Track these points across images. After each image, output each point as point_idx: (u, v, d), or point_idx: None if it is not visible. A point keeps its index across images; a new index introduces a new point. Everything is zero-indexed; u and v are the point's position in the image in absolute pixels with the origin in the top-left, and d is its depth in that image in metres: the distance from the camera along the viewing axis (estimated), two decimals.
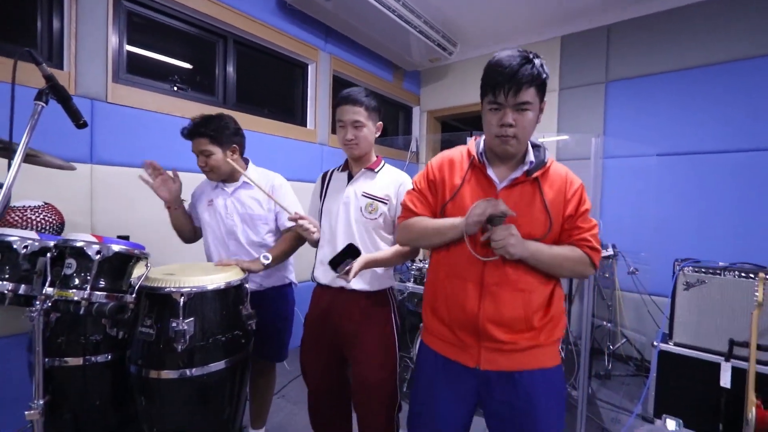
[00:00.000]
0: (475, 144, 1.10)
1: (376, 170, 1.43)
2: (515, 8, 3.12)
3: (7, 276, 0.93)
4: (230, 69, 2.69)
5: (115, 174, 2.01)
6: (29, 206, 1.60)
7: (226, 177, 1.63)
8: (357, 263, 1.20)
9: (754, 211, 2.57)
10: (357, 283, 1.33)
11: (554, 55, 3.44)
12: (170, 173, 1.59)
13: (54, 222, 1.66)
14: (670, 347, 2.11)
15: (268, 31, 2.78)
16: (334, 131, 3.28)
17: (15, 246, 0.94)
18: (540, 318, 1.02)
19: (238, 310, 1.29)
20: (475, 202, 0.99)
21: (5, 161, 1.17)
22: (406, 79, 4.17)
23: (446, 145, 4.23)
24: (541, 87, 0.96)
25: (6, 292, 0.92)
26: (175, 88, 2.41)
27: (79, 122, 1.00)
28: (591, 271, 1.07)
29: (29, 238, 0.97)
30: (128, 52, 2.19)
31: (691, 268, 2.10)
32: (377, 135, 1.43)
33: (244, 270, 1.43)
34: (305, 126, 3.20)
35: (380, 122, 1.43)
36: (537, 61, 0.94)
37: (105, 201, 1.98)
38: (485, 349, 1.02)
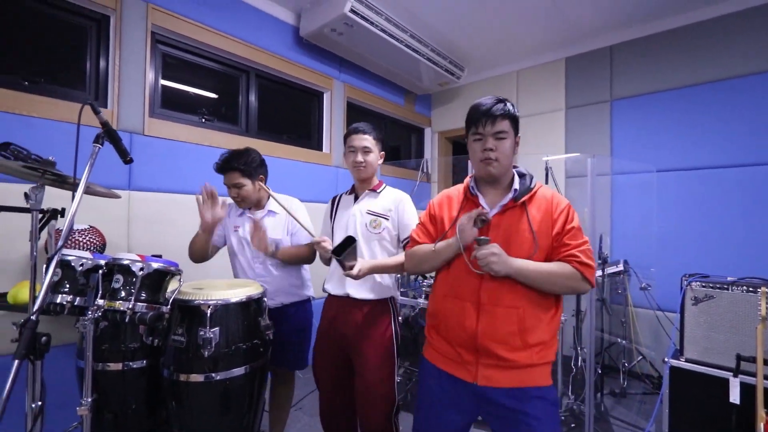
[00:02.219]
0: (469, 180, 1.25)
1: (378, 191, 1.63)
2: (518, 32, 3.28)
3: (66, 289, 1.10)
4: (252, 99, 2.93)
5: (151, 200, 2.23)
6: (77, 229, 1.81)
7: (253, 204, 1.83)
8: (365, 265, 1.37)
9: (763, 225, 2.57)
10: (360, 292, 1.50)
11: (559, 75, 3.56)
12: (221, 201, 1.68)
13: (97, 243, 1.87)
14: (681, 363, 2.10)
15: (287, 65, 3.02)
16: None
17: (73, 264, 1.11)
18: (535, 337, 1.08)
19: (257, 321, 1.43)
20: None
21: (55, 189, 1.37)
22: (418, 102, 4.36)
23: (457, 165, 4.36)
24: (513, 121, 1.14)
25: (66, 303, 1.09)
26: (203, 120, 2.65)
27: (126, 159, 1.18)
28: (585, 285, 1.11)
29: (84, 257, 1.14)
30: (162, 87, 2.45)
31: (698, 283, 2.12)
32: (380, 162, 1.63)
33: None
34: (321, 150, 3.40)
35: (383, 152, 1.64)
36: (508, 103, 1.14)
37: (141, 224, 2.19)
38: (483, 365, 1.10)
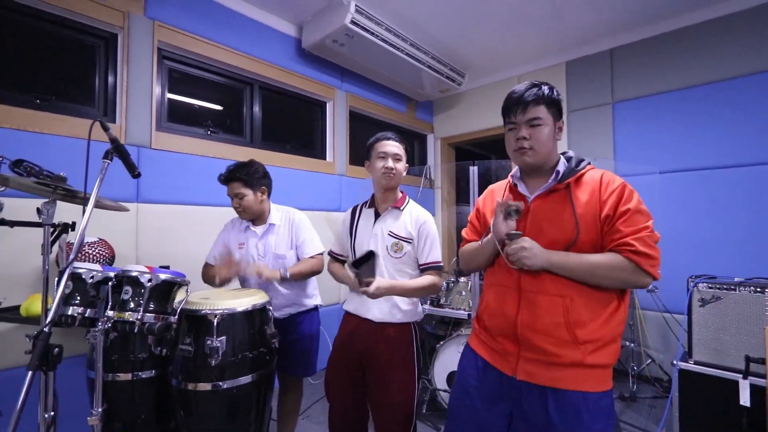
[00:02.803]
0: (513, 172, 1.20)
1: (401, 208, 1.54)
2: (518, 38, 3.30)
3: (77, 301, 1.14)
4: (256, 111, 2.98)
5: (158, 212, 2.28)
6: (87, 242, 1.85)
7: (256, 217, 1.85)
8: (383, 283, 1.31)
9: None
10: (382, 315, 1.45)
11: (560, 79, 3.57)
12: (236, 260, 1.69)
13: (106, 255, 1.91)
14: (690, 366, 2.08)
15: (290, 76, 3.08)
16: (352, 163, 3.52)
17: (84, 276, 1.15)
18: (588, 332, 0.96)
19: (263, 329, 1.45)
20: None
21: (66, 203, 1.41)
22: (419, 109, 4.40)
23: (460, 170, 4.37)
24: (550, 105, 1.06)
25: (77, 315, 1.12)
26: (209, 132, 2.70)
27: (135, 173, 1.22)
28: (642, 278, 0.96)
29: (94, 270, 1.18)
30: (168, 101, 2.51)
31: (705, 284, 2.10)
32: (404, 174, 1.57)
33: (262, 284, 1.61)
34: (325, 159, 3.44)
35: (408, 164, 1.58)
36: (545, 86, 1.07)
37: (149, 235, 2.24)
38: (524, 359, 1.02)
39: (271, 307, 1.52)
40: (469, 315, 2.57)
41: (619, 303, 1.01)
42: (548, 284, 1.00)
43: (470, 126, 4.22)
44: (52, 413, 1.02)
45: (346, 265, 1.70)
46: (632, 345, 2.88)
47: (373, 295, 1.31)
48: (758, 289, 1.93)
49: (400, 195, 1.58)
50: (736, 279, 2.09)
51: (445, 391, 2.39)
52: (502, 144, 1.19)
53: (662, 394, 2.77)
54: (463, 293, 2.70)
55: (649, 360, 2.91)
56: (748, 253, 2.61)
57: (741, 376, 1.84)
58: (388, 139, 1.53)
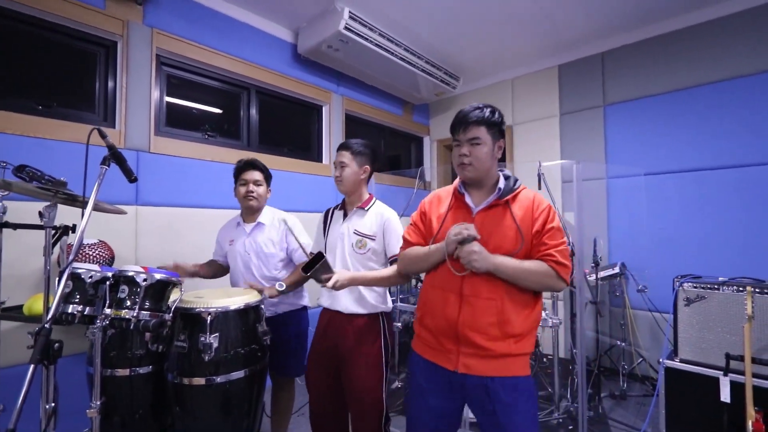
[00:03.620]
0: (458, 181, 1.32)
1: (366, 209, 1.65)
2: (512, 42, 3.36)
3: (77, 300, 1.20)
4: (253, 115, 3.05)
5: (157, 214, 2.34)
6: (87, 243, 1.92)
7: (259, 209, 1.94)
8: (343, 276, 1.41)
9: (758, 226, 2.60)
10: (349, 308, 1.55)
11: (553, 82, 3.63)
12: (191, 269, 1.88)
13: (106, 256, 1.97)
14: (675, 364, 2.13)
15: (286, 81, 3.14)
16: None
17: (83, 276, 1.21)
18: (513, 327, 1.15)
19: (255, 327, 1.51)
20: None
21: (67, 206, 1.48)
22: (416, 111, 4.46)
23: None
24: (491, 126, 1.20)
25: (76, 312, 1.18)
26: (206, 136, 2.77)
27: (131, 178, 1.28)
28: (560, 284, 1.18)
29: (93, 270, 1.24)
30: (167, 106, 2.58)
31: (690, 284, 2.15)
32: (363, 176, 1.66)
33: (261, 293, 1.66)
34: (321, 162, 3.50)
35: (367, 166, 1.66)
36: (487, 109, 1.21)
37: (148, 237, 2.30)
38: (463, 354, 1.16)
39: (263, 306, 1.58)
40: None
41: (535, 303, 1.21)
42: (485, 288, 1.15)
43: None
44: (53, 404, 1.08)
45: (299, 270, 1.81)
46: (623, 344, 2.93)
47: (335, 288, 1.40)
48: (740, 289, 1.98)
49: (366, 197, 1.69)
50: (719, 279, 2.13)
51: None
52: None
53: (651, 392, 2.81)
54: None
55: (640, 359, 2.95)
56: (736, 253, 2.66)
57: (722, 373, 1.88)
58: (338, 148, 1.66)
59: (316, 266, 1.35)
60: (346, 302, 1.57)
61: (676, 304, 2.16)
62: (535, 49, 3.50)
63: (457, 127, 1.22)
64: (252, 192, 1.88)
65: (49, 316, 0.99)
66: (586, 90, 3.43)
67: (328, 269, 1.39)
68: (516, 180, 1.27)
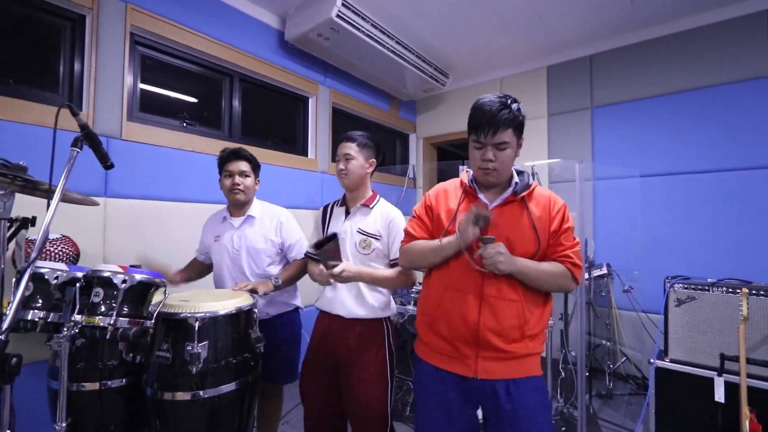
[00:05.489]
0: (466, 175, 1.24)
1: (371, 206, 1.54)
2: (502, 42, 3.34)
3: (39, 305, 1.02)
4: (236, 104, 2.85)
5: (128, 207, 2.12)
6: (49, 239, 1.69)
7: (247, 202, 1.78)
8: (351, 267, 1.32)
9: (743, 228, 2.68)
10: (351, 312, 1.43)
11: (541, 83, 3.64)
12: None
13: (70, 253, 1.75)
14: (666, 364, 2.15)
15: (271, 69, 2.96)
16: (334, 160, 3.44)
17: (47, 277, 1.03)
18: (530, 328, 1.11)
19: (247, 333, 1.36)
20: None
21: (25, 196, 1.28)
22: (402, 108, 4.37)
23: (441, 170, 4.38)
24: (517, 128, 1.10)
25: (38, 319, 1.00)
26: (184, 124, 2.55)
27: (107, 164, 1.11)
28: (573, 285, 1.16)
29: (59, 270, 1.06)
30: (141, 90, 2.35)
31: (681, 285, 2.17)
32: (369, 170, 1.55)
33: (253, 294, 1.52)
34: (306, 156, 3.34)
35: (373, 159, 1.56)
36: (514, 106, 1.09)
37: (118, 232, 2.08)
38: (482, 358, 1.10)
39: (256, 310, 1.43)
40: None
41: (547, 303, 1.18)
42: (505, 290, 1.10)
43: (452, 127, 4.23)
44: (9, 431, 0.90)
45: (306, 249, 1.70)
46: (608, 343, 2.96)
47: (340, 278, 1.31)
48: (730, 290, 2.02)
49: (370, 193, 1.59)
50: (709, 280, 2.17)
51: None
52: None
53: (637, 391, 2.86)
54: None
55: (624, 358, 2.99)
56: (723, 255, 2.73)
57: (716, 373, 1.91)
58: (342, 140, 1.55)
59: (329, 244, 1.24)
60: (347, 305, 1.45)
61: (667, 304, 2.18)
62: (526, 50, 3.49)
63: (482, 129, 1.08)
64: (238, 185, 1.71)
65: (5, 325, 0.82)
66: (575, 92, 3.45)
67: (338, 255, 1.29)
68: (530, 176, 1.23)
